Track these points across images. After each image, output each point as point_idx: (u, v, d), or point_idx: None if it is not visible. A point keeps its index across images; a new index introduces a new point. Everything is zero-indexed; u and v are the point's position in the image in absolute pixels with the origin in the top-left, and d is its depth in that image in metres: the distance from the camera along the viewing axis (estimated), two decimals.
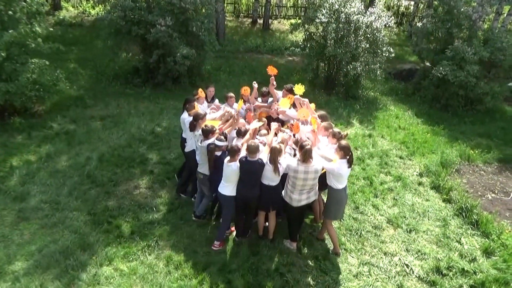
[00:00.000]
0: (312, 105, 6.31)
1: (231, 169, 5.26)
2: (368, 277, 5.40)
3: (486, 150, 9.06)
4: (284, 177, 5.44)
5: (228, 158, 5.32)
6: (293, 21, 18.73)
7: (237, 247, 5.72)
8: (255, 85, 6.97)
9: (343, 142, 5.37)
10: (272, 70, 6.88)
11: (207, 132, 5.61)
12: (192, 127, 5.99)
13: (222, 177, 5.43)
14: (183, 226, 6.05)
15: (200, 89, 6.94)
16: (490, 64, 11.22)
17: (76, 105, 9.81)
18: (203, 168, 5.81)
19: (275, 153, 5.15)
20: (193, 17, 10.63)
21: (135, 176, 7.24)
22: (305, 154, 5.07)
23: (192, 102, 6.44)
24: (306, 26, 12.13)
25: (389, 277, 5.43)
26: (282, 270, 5.34)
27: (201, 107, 6.64)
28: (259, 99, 7.18)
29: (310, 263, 5.54)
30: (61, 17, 17.04)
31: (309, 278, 5.28)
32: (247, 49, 15.67)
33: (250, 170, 5.24)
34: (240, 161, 5.23)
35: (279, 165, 5.18)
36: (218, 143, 5.52)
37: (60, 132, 8.54)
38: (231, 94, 7.11)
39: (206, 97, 7.14)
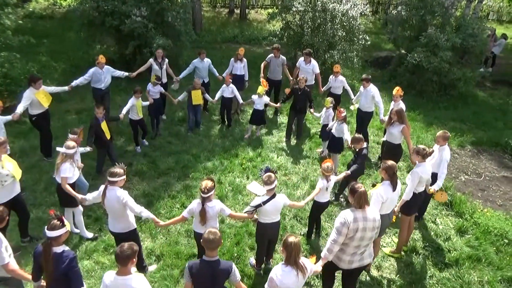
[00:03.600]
0: (398, 88, 7.49)
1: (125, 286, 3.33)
2: None
3: (460, 134, 9.36)
4: None
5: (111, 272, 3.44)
6: (270, 10, 18.67)
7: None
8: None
9: (389, 162, 4.72)
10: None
11: None
12: None
13: None
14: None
15: (101, 55, 8.15)
16: (462, 50, 11.50)
17: None
18: None
19: (294, 250, 3.50)
20: (169, 7, 10.48)
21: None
22: (360, 198, 4.00)
23: (37, 79, 6.75)
24: (283, 15, 12.13)
25: None
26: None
27: (98, 71, 8.08)
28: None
29: None
30: (30, 9, 16.45)
31: None
32: (225, 40, 15.57)
33: (209, 275, 3.49)
34: (191, 267, 3.51)
35: (303, 265, 3.59)
36: (51, 233, 3.45)
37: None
38: (203, 51, 9.32)
39: (155, 58, 8.76)
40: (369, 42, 11.79)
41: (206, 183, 4.42)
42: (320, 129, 8.40)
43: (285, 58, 9.57)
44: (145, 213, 4.59)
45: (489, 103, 11.84)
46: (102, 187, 4.57)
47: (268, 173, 4.70)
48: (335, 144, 7.28)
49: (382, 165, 4.78)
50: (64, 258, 3.48)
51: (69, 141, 5.21)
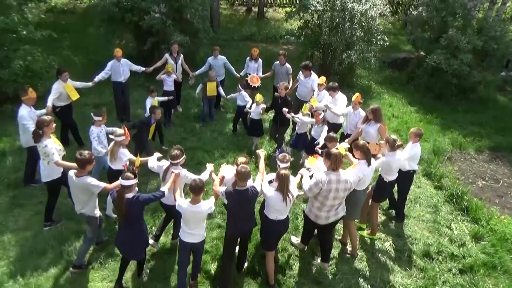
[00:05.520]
0: (357, 94, 6.84)
1: (198, 212, 4.34)
2: (360, 262, 5.50)
3: (478, 138, 9.17)
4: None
5: (185, 200, 4.43)
6: (288, 9, 18.61)
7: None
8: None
9: (361, 141, 5.17)
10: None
11: (84, 162, 4.49)
12: (37, 137, 5.05)
13: (183, 223, 4.50)
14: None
15: (117, 48, 8.27)
16: (483, 53, 11.26)
17: None
18: (86, 208, 4.79)
19: (284, 181, 4.41)
20: (187, 4, 10.52)
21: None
22: (335, 161, 4.53)
23: (63, 72, 6.94)
24: (301, 14, 12.08)
25: (380, 261, 5.54)
26: (275, 255, 5.41)
27: (116, 63, 8.23)
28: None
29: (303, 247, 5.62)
30: (52, 4, 16.79)
31: (302, 263, 5.37)
32: (242, 38, 15.59)
33: (242, 200, 4.46)
34: (228, 193, 4.45)
35: (289, 194, 4.47)
36: (125, 182, 4.29)
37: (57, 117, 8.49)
38: (216, 47, 9.19)
39: (171, 53, 8.80)
40: (387, 43, 11.64)
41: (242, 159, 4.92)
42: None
43: (290, 67, 8.89)
44: (204, 176, 4.88)
45: (510, 107, 11.56)
46: (165, 164, 4.93)
47: (283, 153, 5.09)
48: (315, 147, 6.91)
49: (354, 146, 5.11)
50: (135, 200, 4.29)
51: (118, 129, 5.50)
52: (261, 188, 4.60)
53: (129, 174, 4.32)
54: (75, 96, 7.29)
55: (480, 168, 8.20)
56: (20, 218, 5.78)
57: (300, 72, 8.37)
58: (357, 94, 6.90)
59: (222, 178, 4.82)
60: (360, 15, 10.93)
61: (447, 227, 6.29)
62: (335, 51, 11.34)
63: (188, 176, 4.85)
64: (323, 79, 7.78)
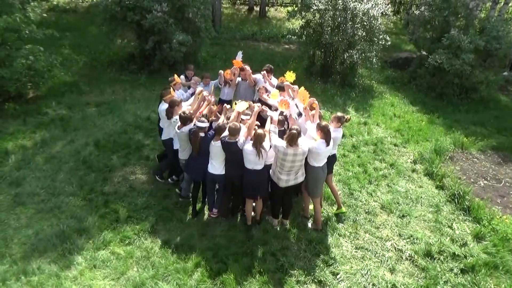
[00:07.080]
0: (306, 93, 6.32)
1: (216, 147, 5.44)
2: (362, 261, 5.49)
3: (480, 138, 9.14)
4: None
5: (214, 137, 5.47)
6: (290, 8, 18.59)
7: (233, 232, 5.79)
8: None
9: (323, 122, 5.50)
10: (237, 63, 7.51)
11: (185, 119, 5.71)
12: (169, 114, 6.08)
13: (210, 157, 5.60)
14: (178, 212, 6.10)
15: (176, 75, 7.37)
16: (485, 53, 11.24)
17: (71, 91, 9.76)
18: (183, 154, 5.97)
19: (258, 139, 5.21)
20: (189, 3, 10.54)
21: (131, 162, 7.26)
22: (292, 139, 5.14)
23: (167, 89, 6.77)
24: (303, 13, 12.07)
25: (381, 261, 5.53)
26: (277, 254, 5.42)
27: (177, 93, 7.04)
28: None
29: (304, 247, 5.62)
30: (54, 3, 16.82)
31: (303, 262, 5.36)
32: (244, 37, 15.61)
33: (230, 150, 5.44)
34: (222, 142, 5.40)
35: (262, 150, 5.25)
36: (199, 124, 5.56)
37: (55, 118, 8.51)
38: (207, 74, 7.75)
39: (186, 76, 7.74)
40: (389, 43, 11.63)
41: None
42: None
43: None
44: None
45: None
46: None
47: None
48: None
49: (317, 126, 5.47)
50: (205, 137, 5.56)
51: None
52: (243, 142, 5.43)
53: (203, 118, 5.61)
54: None
55: (482, 168, 8.19)
56: (22, 216, 5.79)
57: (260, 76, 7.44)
58: (301, 87, 6.30)
59: (238, 113, 5.75)
60: (362, 15, 10.93)
61: (449, 227, 6.28)
62: (337, 51, 11.34)
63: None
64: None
